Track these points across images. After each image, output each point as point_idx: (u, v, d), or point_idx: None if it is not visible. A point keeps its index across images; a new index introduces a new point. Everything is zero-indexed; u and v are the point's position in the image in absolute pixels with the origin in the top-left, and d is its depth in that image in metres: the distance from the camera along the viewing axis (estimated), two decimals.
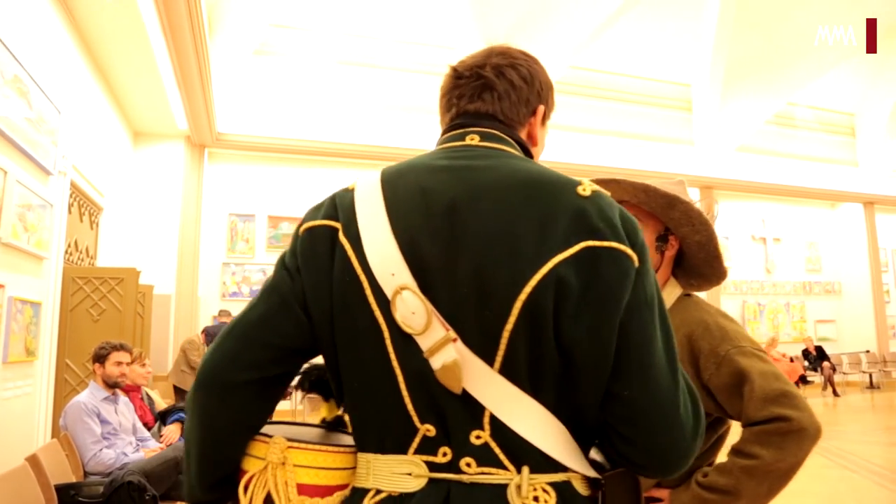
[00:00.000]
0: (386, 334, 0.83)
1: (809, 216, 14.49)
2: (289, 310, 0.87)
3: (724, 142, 12.09)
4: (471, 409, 0.81)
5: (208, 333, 7.73)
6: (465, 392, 0.80)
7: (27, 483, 2.71)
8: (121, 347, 3.96)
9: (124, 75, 6.62)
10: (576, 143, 11.11)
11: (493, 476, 0.80)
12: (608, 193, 0.87)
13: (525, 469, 0.80)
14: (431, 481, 0.82)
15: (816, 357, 13.07)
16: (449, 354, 0.79)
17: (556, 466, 0.82)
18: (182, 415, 4.55)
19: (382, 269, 0.82)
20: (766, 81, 11.38)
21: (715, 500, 1.24)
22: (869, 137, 13.89)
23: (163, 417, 4.60)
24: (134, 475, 3.23)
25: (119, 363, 3.91)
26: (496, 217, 0.81)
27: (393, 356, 0.83)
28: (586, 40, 9.01)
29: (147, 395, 4.90)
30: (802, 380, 12.34)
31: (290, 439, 0.87)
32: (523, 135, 0.99)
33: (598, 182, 1.37)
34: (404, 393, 0.83)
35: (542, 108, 1.00)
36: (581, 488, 0.84)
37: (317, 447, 0.88)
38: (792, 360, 12.48)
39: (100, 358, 3.89)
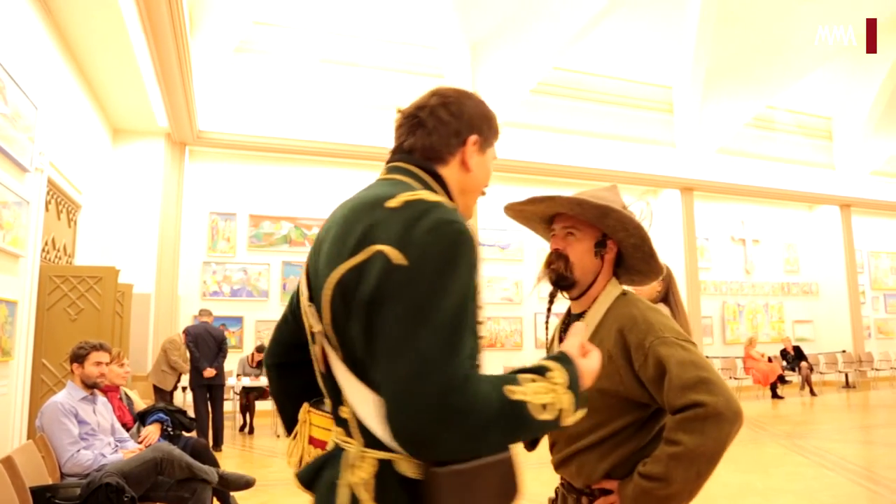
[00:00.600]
0: (308, 328, 1.09)
1: (787, 218, 14.70)
2: (288, 317, 1.26)
3: (704, 144, 12.22)
4: (337, 389, 1.02)
5: (189, 333, 7.63)
6: (332, 375, 1.02)
7: (1, 486, 2.67)
8: (100, 347, 3.90)
9: (104, 71, 6.53)
10: (557, 144, 11.16)
11: (348, 444, 1.00)
12: (431, 200, 0.96)
13: (358, 443, 0.98)
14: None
15: (794, 357, 13.26)
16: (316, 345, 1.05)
17: (384, 445, 0.94)
18: (161, 415, 4.49)
19: (301, 283, 1.13)
20: (745, 84, 11.52)
21: (651, 487, 1.31)
22: (846, 141, 14.12)
23: (142, 418, 4.54)
24: (112, 476, 3.20)
25: (99, 363, 3.85)
26: (330, 240, 1.03)
27: (311, 344, 1.09)
28: (569, 42, 9.05)
29: (126, 395, 4.84)
30: (781, 379, 12.52)
31: (311, 404, 1.19)
32: (455, 162, 1.15)
33: (536, 200, 1.53)
34: (317, 373, 1.09)
35: (473, 138, 1.15)
36: (408, 470, 0.94)
37: (323, 412, 1.14)
38: (770, 360, 12.66)
39: (78, 358, 3.83)
